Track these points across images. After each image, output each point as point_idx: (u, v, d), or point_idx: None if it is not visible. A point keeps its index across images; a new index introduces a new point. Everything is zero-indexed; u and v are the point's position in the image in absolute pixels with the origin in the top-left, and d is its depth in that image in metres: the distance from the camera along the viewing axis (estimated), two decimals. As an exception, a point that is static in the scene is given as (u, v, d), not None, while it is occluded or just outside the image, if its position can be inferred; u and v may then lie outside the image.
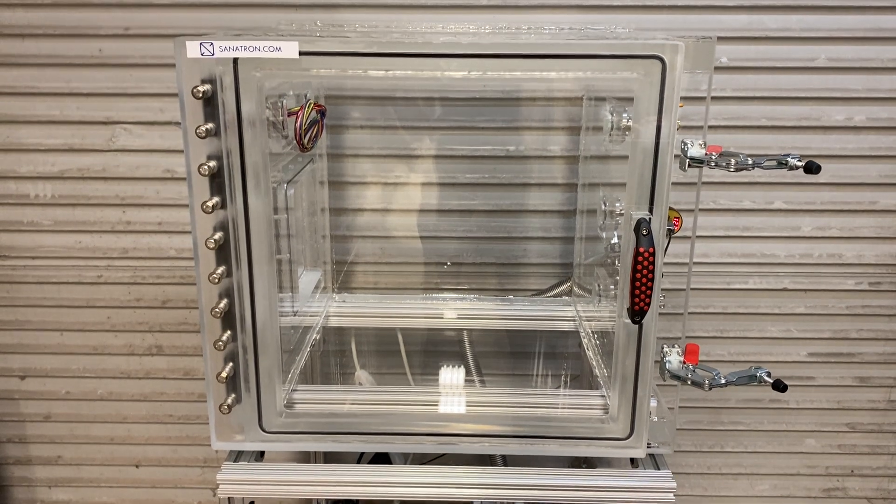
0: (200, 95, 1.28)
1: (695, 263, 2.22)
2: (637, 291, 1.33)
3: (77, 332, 2.37)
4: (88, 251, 2.29)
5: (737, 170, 1.35)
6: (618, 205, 1.61)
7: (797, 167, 1.32)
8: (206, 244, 1.36)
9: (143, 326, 2.36)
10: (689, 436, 2.47)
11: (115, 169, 2.21)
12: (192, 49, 1.27)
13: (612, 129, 1.54)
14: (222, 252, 1.39)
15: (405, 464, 1.92)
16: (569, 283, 2.21)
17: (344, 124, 2.15)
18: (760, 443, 2.48)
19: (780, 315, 2.33)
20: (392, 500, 1.85)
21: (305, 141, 1.58)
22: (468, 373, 2.09)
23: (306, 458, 1.88)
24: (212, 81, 1.30)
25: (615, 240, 1.61)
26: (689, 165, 1.37)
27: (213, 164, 1.33)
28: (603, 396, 1.59)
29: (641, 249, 1.31)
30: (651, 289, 1.34)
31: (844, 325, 2.34)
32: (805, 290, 2.31)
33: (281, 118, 1.53)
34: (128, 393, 2.43)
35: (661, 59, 1.26)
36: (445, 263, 2.27)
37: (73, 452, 2.51)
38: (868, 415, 2.44)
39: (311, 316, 1.96)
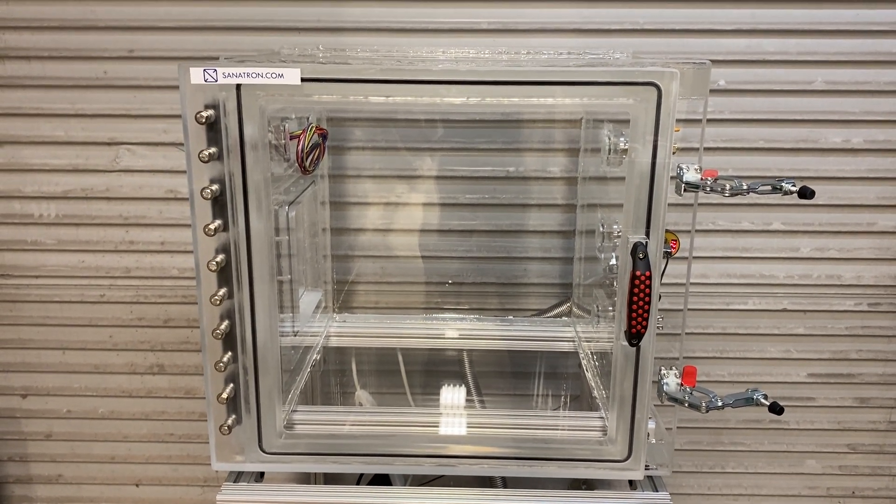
0: (204, 121, 1.30)
1: (694, 284, 2.24)
2: (634, 314, 1.34)
3: (79, 350, 2.38)
4: (91, 270, 2.30)
5: (732, 195, 1.36)
6: (615, 227, 1.62)
7: (792, 192, 1.33)
8: (208, 266, 1.37)
9: (144, 345, 2.37)
10: (690, 456, 2.47)
11: (119, 189, 2.23)
12: (196, 75, 1.29)
13: (609, 152, 1.56)
14: (224, 274, 1.41)
15: (405, 485, 1.92)
16: (568, 304, 2.22)
17: (345, 145, 2.17)
18: (761, 463, 2.48)
19: (780, 336, 2.34)
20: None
21: (307, 164, 1.60)
22: (468, 393, 2.10)
23: (306, 479, 1.89)
24: (215, 107, 1.32)
25: (613, 261, 1.63)
26: (685, 190, 1.39)
27: (215, 187, 1.34)
28: (602, 418, 1.60)
29: (638, 273, 1.32)
30: (648, 312, 1.35)
31: (844, 345, 2.35)
32: (804, 311, 2.32)
33: (283, 141, 1.55)
34: (129, 412, 2.44)
35: (657, 86, 1.28)
36: (446, 283, 2.28)
37: (74, 471, 2.51)
38: (869, 436, 2.44)
39: (311, 336, 1.97)
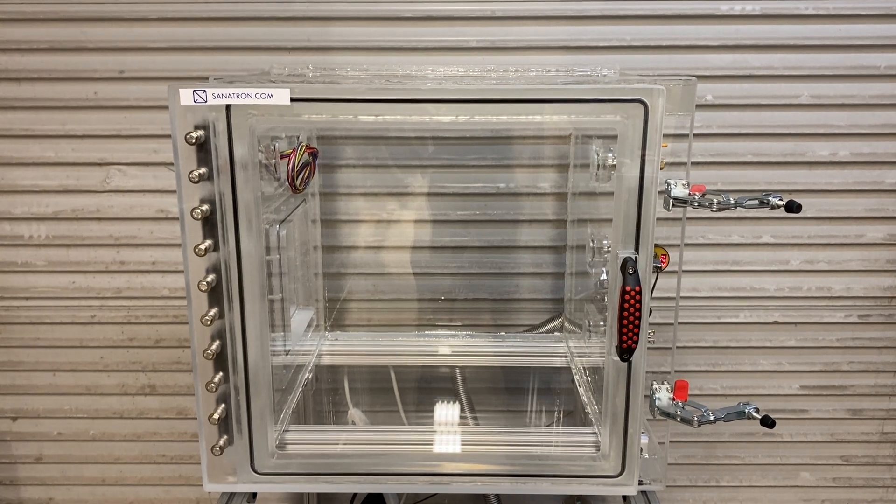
0: (194, 141, 1.30)
1: (686, 298, 2.25)
2: (625, 329, 1.35)
3: (70, 372, 2.36)
4: (82, 291, 2.29)
5: (720, 209, 1.37)
6: (605, 242, 1.63)
7: (779, 206, 1.34)
8: (198, 286, 1.37)
9: (136, 366, 2.36)
10: (684, 470, 2.47)
11: (109, 209, 2.23)
12: (186, 96, 1.29)
13: (598, 167, 1.57)
14: (215, 294, 1.41)
15: None
16: (560, 319, 2.22)
17: (336, 163, 2.18)
18: (755, 476, 2.47)
19: (772, 348, 2.35)
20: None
21: (297, 183, 1.61)
22: (461, 410, 2.09)
23: (299, 499, 1.88)
24: (205, 127, 1.32)
25: (604, 276, 1.63)
26: (673, 205, 1.40)
27: (205, 207, 1.34)
28: (595, 433, 1.60)
29: (628, 288, 1.33)
30: (638, 326, 1.35)
31: (835, 357, 2.36)
32: (795, 324, 2.32)
33: (273, 161, 1.55)
34: (120, 433, 2.42)
35: (644, 103, 1.29)
36: (439, 299, 2.28)
37: (65, 494, 2.49)
38: (862, 447, 2.44)
39: (303, 355, 1.97)
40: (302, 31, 2.10)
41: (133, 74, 2.13)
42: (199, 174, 1.32)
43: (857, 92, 2.14)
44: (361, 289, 2.29)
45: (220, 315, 1.41)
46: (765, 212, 2.21)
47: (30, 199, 2.22)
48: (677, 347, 2.22)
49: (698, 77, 1.41)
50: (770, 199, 1.35)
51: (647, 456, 1.54)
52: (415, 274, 2.28)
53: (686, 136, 1.47)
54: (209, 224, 1.37)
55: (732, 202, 1.37)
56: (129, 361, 2.36)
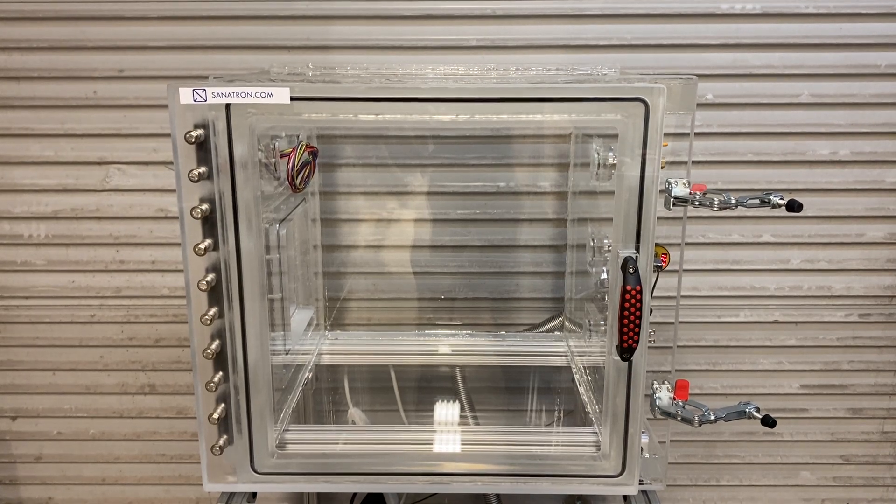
0: (193, 140, 1.30)
1: (686, 297, 2.25)
2: (625, 329, 1.35)
3: (69, 371, 2.36)
4: (82, 290, 2.29)
5: (720, 209, 1.37)
6: (605, 241, 1.63)
7: (780, 205, 1.34)
8: (198, 286, 1.37)
9: (135, 365, 2.36)
10: (684, 469, 2.47)
11: (109, 209, 2.22)
12: (185, 95, 1.29)
13: (598, 166, 1.57)
14: (214, 293, 1.40)
15: None
16: (560, 318, 2.22)
17: (336, 162, 2.17)
18: (755, 476, 2.47)
19: (772, 347, 2.34)
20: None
21: (297, 182, 1.60)
22: (461, 410, 2.09)
23: (299, 499, 1.87)
24: (204, 126, 1.32)
25: (604, 276, 1.63)
26: (674, 204, 1.39)
27: (205, 206, 1.34)
28: (595, 433, 1.59)
29: (629, 287, 1.33)
30: (639, 326, 1.35)
31: (835, 356, 2.35)
32: (796, 323, 2.32)
33: (273, 160, 1.55)
34: (120, 433, 2.42)
35: (644, 102, 1.29)
36: (439, 298, 2.28)
37: (64, 494, 2.49)
38: (862, 446, 2.44)
39: (303, 354, 1.96)
40: (302, 29, 2.09)
41: (132, 73, 2.12)
42: (199, 173, 1.32)
43: (858, 91, 2.14)
44: (361, 288, 2.28)
45: (220, 314, 1.41)
46: (765, 211, 2.20)
47: (29, 199, 2.22)
48: (678, 347, 2.22)
49: (699, 76, 1.41)
50: (771, 198, 1.35)
51: (647, 455, 1.54)
52: (415, 273, 2.27)
53: (687, 134, 1.47)
54: (209, 223, 1.37)
55: (733, 201, 1.37)
56: (129, 361, 2.36)
